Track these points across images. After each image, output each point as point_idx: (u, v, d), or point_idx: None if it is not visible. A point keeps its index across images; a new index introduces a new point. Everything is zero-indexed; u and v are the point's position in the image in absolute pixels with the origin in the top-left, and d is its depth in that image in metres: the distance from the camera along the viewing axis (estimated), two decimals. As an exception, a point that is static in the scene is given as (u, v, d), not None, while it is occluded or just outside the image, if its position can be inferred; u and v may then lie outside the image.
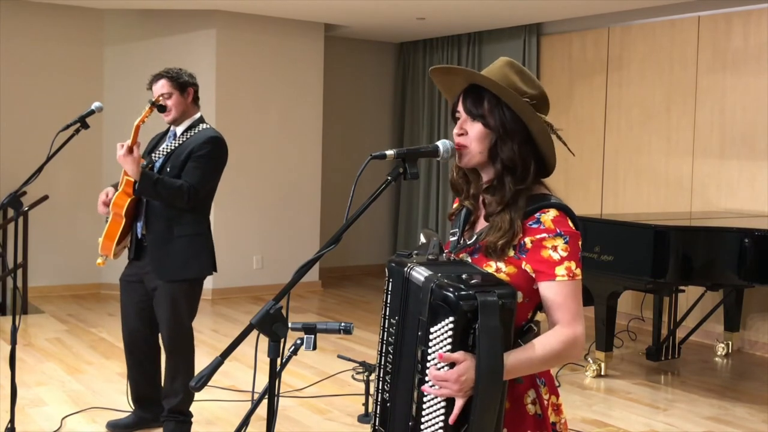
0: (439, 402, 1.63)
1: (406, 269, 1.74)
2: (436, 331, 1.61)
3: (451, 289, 1.59)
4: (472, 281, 1.61)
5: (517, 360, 1.67)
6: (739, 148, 6.32)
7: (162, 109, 3.86)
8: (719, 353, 6.11)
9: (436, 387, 1.62)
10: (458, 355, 1.60)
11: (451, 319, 1.58)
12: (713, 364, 5.97)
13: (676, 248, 4.84)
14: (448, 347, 1.59)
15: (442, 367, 1.61)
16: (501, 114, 1.79)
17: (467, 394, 1.61)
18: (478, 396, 1.59)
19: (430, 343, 1.61)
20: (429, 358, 1.61)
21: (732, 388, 5.31)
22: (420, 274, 1.66)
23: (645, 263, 4.88)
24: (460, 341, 1.59)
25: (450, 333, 1.59)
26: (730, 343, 6.12)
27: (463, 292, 1.58)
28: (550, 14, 7.40)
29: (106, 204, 3.87)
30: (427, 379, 1.63)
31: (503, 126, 1.78)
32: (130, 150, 3.69)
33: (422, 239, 1.91)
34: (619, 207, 7.13)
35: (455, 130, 1.84)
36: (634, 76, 7.06)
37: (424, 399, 1.64)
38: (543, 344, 1.71)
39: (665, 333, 5.86)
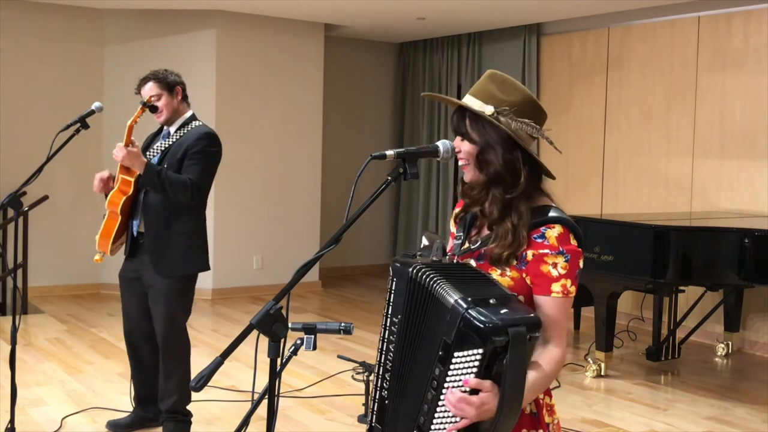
0: (452, 419, 1.64)
1: (413, 270, 1.73)
2: (461, 356, 1.61)
3: (482, 320, 1.58)
4: (502, 310, 1.61)
5: (533, 389, 1.71)
6: (739, 148, 6.32)
7: (154, 109, 3.90)
8: (719, 353, 6.11)
9: (445, 404, 1.63)
10: (487, 384, 1.61)
11: (480, 351, 1.59)
12: (713, 364, 5.97)
13: (676, 248, 4.85)
14: (472, 375, 1.61)
15: (465, 391, 1.61)
16: (481, 128, 1.84)
17: (480, 419, 1.63)
18: (499, 425, 1.62)
19: (452, 366, 1.61)
20: (447, 378, 1.62)
21: (732, 388, 5.31)
22: (449, 294, 1.64)
23: (645, 263, 4.89)
24: (484, 370, 1.61)
25: (477, 363, 1.60)
26: (730, 343, 6.12)
27: (491, 325, 1.57)
28: (550, 14, 7.40)
29: (104, 181, 3.87)
30: (442, 397, 1.63)
31: (485, 139, 1.84)
32: (127, 147, 3.73)
33: (424, 241, 1.91)
34: (619, 207, 7.14)
35: (457, 151, 1.91)
36: (634, 76, 7.06)
37: (436, 415, 1.64)
38: (546, 367, 1.75)
39: (665, 333, 5.86)
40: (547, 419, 1.85)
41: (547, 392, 1.88)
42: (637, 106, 7.04)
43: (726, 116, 6.41)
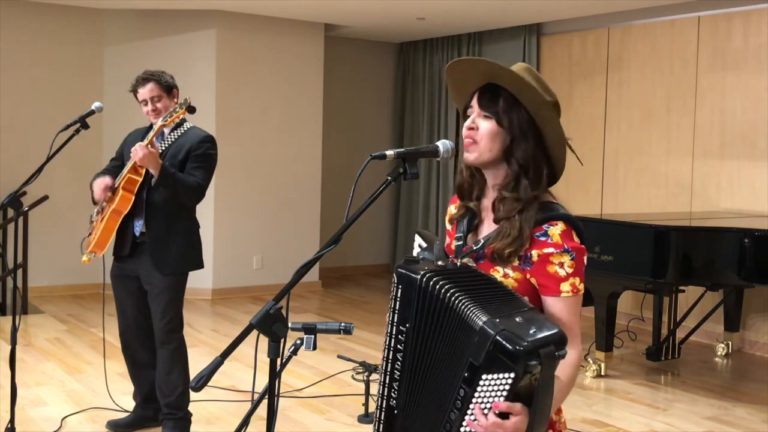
0: None
1: (423, 279, 1.67)
2: (490, 380, 1.56)
3: (516, 343, 1.54)
4: (531, 330, 1.57)
5: (555, 401, 1.66)
6: (739, 148, 6.32)
7: (192, 110, 3.88)
8: (719, 353, 6.11)
9: (469, 425, 1.60)
10: (518, 407, 1.57)
11: (512, 375, 1.55)
12: (713, 364, 5.97)
13: (676, 248, 4.84)
14: (501, 398, 1.57)
15: (489, 411, 1.58)
16: (518, 114, 1.77)
17: None
18: None
19: (479, 388, 1.57)
20: (474, 400, 1.58)
21: (732, 388, 5.31)
22: (474, 314, 1.59)
23: (645, 263, 4.88)
24: (514, 393, 1.57)
25: (508, 386, 1.56)
26: (730, 343, 6.12)
27: (524, 350, 1.53)
28: (550, 14, 7.40)
29: (110, 188, 3.88)
30: (467, 418, 1.59)
31: (519, 127, 1.77)
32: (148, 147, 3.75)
33: (419, 241, 1.87)
34: (619, 207, 7.13)
35: (467, 123, 1.82)
36: (634, 76, 7.06)
37: None
38: (565, 377, 1.71)
39: (665, 333, 5.86)
40: (554, 417, 1.81)
41: None
42: (637, 106, 7.03)
43: (726, 116, 6.40)
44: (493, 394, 1.57)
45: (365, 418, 4.41)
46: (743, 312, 6.14)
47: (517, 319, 1.59)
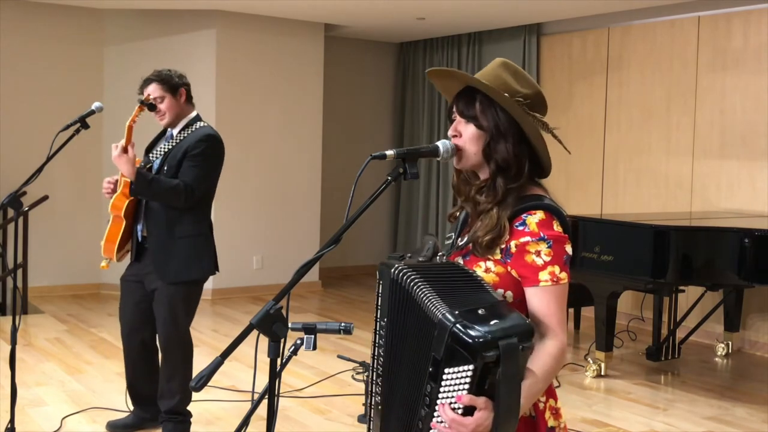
0: None
1: (394, 272, 1.69)
2: (451, 373, 1.55)
3: (472, 334, 1.51)
4: (492, 321, 1.54)
5: (529, 395, 1.64)
6: (739, 148, 6.32)
7: (152, 107, 3.83)
8: (719, 353, 6.11)
9: (444, 424, 1.58)
10: (481, 401, 1.55)
11: (470, 367, 1.53)
12: (713, 364, 5.97)
13: (676, 248, 4.84)
14: (464, 392, 1.55)
15: (458, 408, 1.56)
16: (494, 114, 1.78)
17: None
18: None
19: (443, 383, 1.55)
20: (440, 395, 1.56)
21: (732, 388, 5.31)
22: (435, 306, 1.58)
23: (645, 263, 4.88)
24: (477, 385, 1.55)
25: (468, 379, 1.54)
26: (730, 343, 6.12)
27: (482, 340, 1.51)
28: (550, 14, 7.40)
29: (112, 184, 3.85)
30: (437, 417, 1.58)
31: (496, 126, 1.78)
32: (125, 150, 3.68)
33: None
34: (619, 207, 7.13)
35: (449, 132, 1.85)
36: (634, 76, 7.06)
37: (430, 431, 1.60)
38: (541, 369, 1.67)
39: (665, 333, 5.86)
40: (551, 423, 1.79)
41: (552, 394, 1.81)
42: (637, 106, 7.04)
43: (726, 116, 6.40)
44: (456, 388, 1.55)
45: (365, 418, 4.41)
46: (743, 312, 6.14)
47: (480, 311, 1.57)
